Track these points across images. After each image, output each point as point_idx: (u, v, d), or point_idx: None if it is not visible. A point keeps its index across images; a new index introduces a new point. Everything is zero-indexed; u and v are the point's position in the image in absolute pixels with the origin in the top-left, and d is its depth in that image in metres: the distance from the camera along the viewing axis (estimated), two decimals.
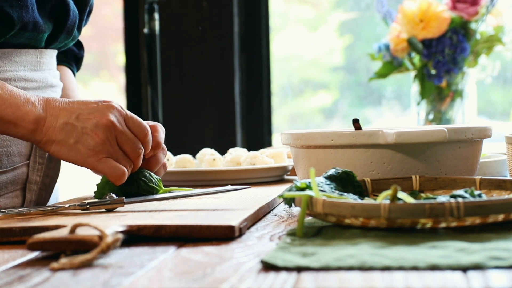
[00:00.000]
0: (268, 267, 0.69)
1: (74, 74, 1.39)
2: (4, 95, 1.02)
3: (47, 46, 1.19)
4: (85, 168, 1.07)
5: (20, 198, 1.19)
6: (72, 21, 1.18)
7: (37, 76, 1.18)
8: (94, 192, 1.08)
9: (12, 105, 1.02)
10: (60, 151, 1.04)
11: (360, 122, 1.05)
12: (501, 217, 0.79)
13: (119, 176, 1.04)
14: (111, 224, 0.85)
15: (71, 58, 1.36)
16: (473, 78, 2.05)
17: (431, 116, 2.03)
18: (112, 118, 1.04)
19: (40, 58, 1.18)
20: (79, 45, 1.38)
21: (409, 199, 0.83)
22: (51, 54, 1.21)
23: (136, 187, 1.10)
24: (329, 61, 2.81)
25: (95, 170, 1.05)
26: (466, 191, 0.89)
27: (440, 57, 1.98)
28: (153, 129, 1.10)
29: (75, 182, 2.71)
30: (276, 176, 1.43)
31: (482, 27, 2.02)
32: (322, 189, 0.89)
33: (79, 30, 1.23)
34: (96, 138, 1.03)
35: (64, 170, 1.32)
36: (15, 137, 1.05)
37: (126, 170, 1.05)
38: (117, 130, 1.04)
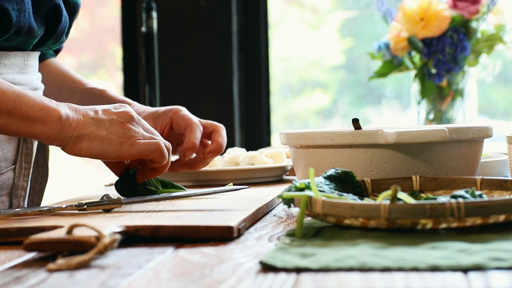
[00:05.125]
0: (267, 268, 0.68)
1: None
2: (29, 94, 1.02)
3: (34, 49, 1.18)
4: (118, 161, 1.08)
5: (7, 204, 1.18)
6: (62, 26, 1.17)
7: (24, 79, 1.17)
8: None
9: (38, 103, 1.01)
10: (92, 145, 1.03)
11: (360, 122, 1.05)
12: (502, 217, 0.79)
13: (156, 148, 1.05)
14: (109, 224, 0.85)
15: (52, 50, 1.34)
16: (474, 77, 2.04)
17: (431, 116, 2.02)
18: (133, 113, 1.08)
19: (26, 60, 1.17)
20: None
21: (409, 200, 0.82)
22: (35, 57, 1.20)
23: (135, 192, 1.10)
24: (329, 60, 2.81)
25: (130, 155, 1.04)
26: (466, 192, 0.88)
27: (441, 56, 1.97)
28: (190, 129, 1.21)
29: (63, 186, 2.71)
30: (275, 176, 1.42)
31: (483, 26, 2.01)
32: (321, 189, 0.89)
33: (67, 35, 1.22)
34: (124, 126, 1.05)
35: (54, 176, 1.31)
36: (43, 137, 1.03)
37: (160, 141, 1.05)
38: (138, 120, 1.08)
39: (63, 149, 1.04)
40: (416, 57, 2.04)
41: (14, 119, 1.00)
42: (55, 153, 1.29)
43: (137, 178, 1.10)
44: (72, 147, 1.03)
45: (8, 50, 1.13)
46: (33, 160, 1.20)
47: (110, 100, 1.29)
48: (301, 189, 0.85)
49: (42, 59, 1.32)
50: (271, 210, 1.06)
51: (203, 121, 1.25)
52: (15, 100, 1.00)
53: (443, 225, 0.78)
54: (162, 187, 1.13)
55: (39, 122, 1.01)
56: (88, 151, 1.03)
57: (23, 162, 1.18)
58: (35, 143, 1.22)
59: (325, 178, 0.93)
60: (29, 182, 1.20)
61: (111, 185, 1.45)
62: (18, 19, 1.08)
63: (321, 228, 0.84)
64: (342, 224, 0.82)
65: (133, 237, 0.84)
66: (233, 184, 1.14)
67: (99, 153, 1.04)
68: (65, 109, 1.03)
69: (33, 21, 1.11)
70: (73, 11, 1.20)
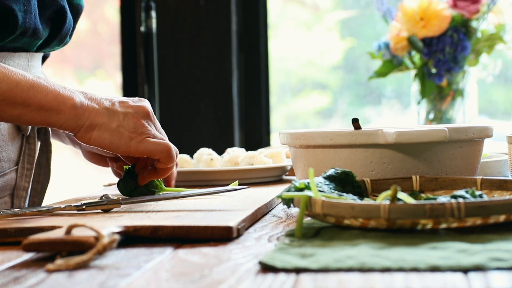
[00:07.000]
0: (266, 268, 0.68)
1: None
2: (42, 82, 1.01)
3: (38, 50, 1.18)
4: (126, 155, 1.07)
5: (9, 204, 1.18)
6: (67, 28, 1.17)
7: None
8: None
9: (52, 92, 1.01)
10: (102, 136, 1.04)
11: (360, 122, 1.05)
12: (502, 217, 0.79)
13: (164, 149, 1.05)
14: (108, 224, 0.85)
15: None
16: (474, 77, 2.04)
17: (431, 116, 2.02)
18: (149, 109, 1.08)
19: (30, 61, 1.17)
20: None
21: (409, 200, 0.82)
22: (39, 58, 1.20)
23: (136, 192, 1.10)
24: (328, 59, 2.81)
25: (138, 151, 1.05)
26: (467, 192, 0.88)
27: (441, 55, 1.97)
28: None
29: (62, 187, 2.71)
30: (275, 176, 1.42)
31: (483, 26, 2.01)
32: (321, 189, 0.89)
33: (71, 37, 1.22)
34: (137, 122, 1.06)
35: (54, 176, 1.30)
36: (57, 126, 1.03)
37: (169, 143, 1.05)
38: (153, 118, 1.09)
39: (74, 135, 1.05)
40: (416, 56, 2.04)
41: (29, 109, 1.01)
42: (56, 154, 1.29)
43: (139, 180, 1.10)
44: (83, 134, 1.04)
45: (13, 51, 1.13)
46: (35, 161, 1.20)
47: None
48: (301, 189, 0.85)
49: None
50: (270, 210, 1.06)
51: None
52: (28, 90, 1.00)
53: (443, 225, 0.78)
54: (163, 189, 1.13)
55: (53, 112, 1.01)
56: (97, 141, 1.04)
57: (25, 163, 1.18)
58: (38, 144, 1.22)
59: (325, 178, 0.92)
60: (30, 183, 1.20)
61: (110, 185, 1.45)
62: (24, 20, 1.08)
63: (320, 228, 0.84)
64: (341, 224, 0.82)
65: (132, 237, 0.84)
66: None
67: (108, 144, 1.04)
68: (79, 97, 1.04)
69: (39, 23, 1.11)
70: (76, 13, 1.20)
